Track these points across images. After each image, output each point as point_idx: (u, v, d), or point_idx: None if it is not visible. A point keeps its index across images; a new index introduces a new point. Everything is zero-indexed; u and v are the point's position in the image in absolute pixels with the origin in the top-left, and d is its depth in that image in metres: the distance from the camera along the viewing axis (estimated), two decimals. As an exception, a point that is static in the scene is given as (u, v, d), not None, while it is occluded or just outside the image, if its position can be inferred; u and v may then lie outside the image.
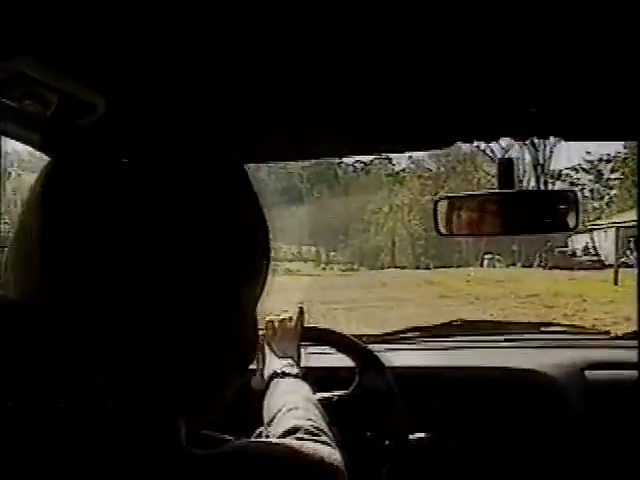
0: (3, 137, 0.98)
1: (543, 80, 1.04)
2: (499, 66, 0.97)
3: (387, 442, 1.41)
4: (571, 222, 1.35)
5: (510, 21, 0.81)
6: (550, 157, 33.43)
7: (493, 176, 33.11)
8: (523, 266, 28.86)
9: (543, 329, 2.07)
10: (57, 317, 0.49)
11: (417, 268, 32.00)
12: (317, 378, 1.20)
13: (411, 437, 1.45)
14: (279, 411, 0.95)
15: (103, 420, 0.45)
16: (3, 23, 0.72)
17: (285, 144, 1.37)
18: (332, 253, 39.30)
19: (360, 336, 1.67)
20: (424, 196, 35.14)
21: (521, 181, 31.43)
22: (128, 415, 0.50)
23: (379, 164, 40.30)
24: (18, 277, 0.53)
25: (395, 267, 32.61)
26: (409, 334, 2.01)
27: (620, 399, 1.50)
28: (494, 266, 29.39)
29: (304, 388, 1.08)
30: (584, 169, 37.67)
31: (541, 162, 32.15)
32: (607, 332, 1.98)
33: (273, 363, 1.17)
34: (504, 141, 1.48)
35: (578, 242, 26.79)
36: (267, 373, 1.14)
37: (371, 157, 40.05)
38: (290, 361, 1.17)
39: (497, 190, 1.33)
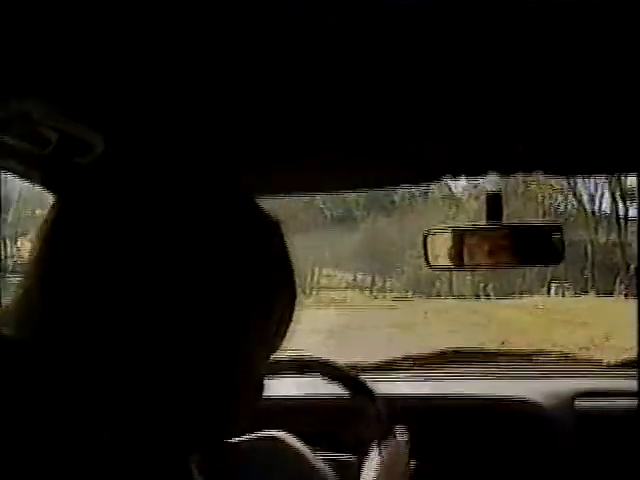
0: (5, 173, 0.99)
1: (531, 115, 1.02)
2: (485, 101, 0.97)
3: None
4: (561, 254, 1.47)
5: (496, 59, 0.80)
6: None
7: (560, 191, 30.16)
8: (597, 294, 25.34)
9: (534, 358, 2.05)
10: (64, 355, 0.50)
11: (477, 297, 29.18)
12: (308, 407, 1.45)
13: None
14: None
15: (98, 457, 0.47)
16: (3, 64, 0.75)
17: (265, 179, 1.34)
18: (388, 281, 37.21)
19: (352, 365, 1.76)
20: (482, 219, 32.44)
21: (592, 196, 28.30)
22: (138, 450, 0.51)
23: (437, 188, 38.01)
24: (33, 313, 0.53)
25: (453, 296, 30.02)
26: (401, 363, 2.03)
27: (611, 428, 1.53)
28: (563, 294, 26.02)
29: None
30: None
31: (615, 177, 28.77)
32: (599, 361, 1.97)
33: None
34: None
35: (664, 266, 23.23)
36: None
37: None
38: None
39: (486, 224, 1.40)
